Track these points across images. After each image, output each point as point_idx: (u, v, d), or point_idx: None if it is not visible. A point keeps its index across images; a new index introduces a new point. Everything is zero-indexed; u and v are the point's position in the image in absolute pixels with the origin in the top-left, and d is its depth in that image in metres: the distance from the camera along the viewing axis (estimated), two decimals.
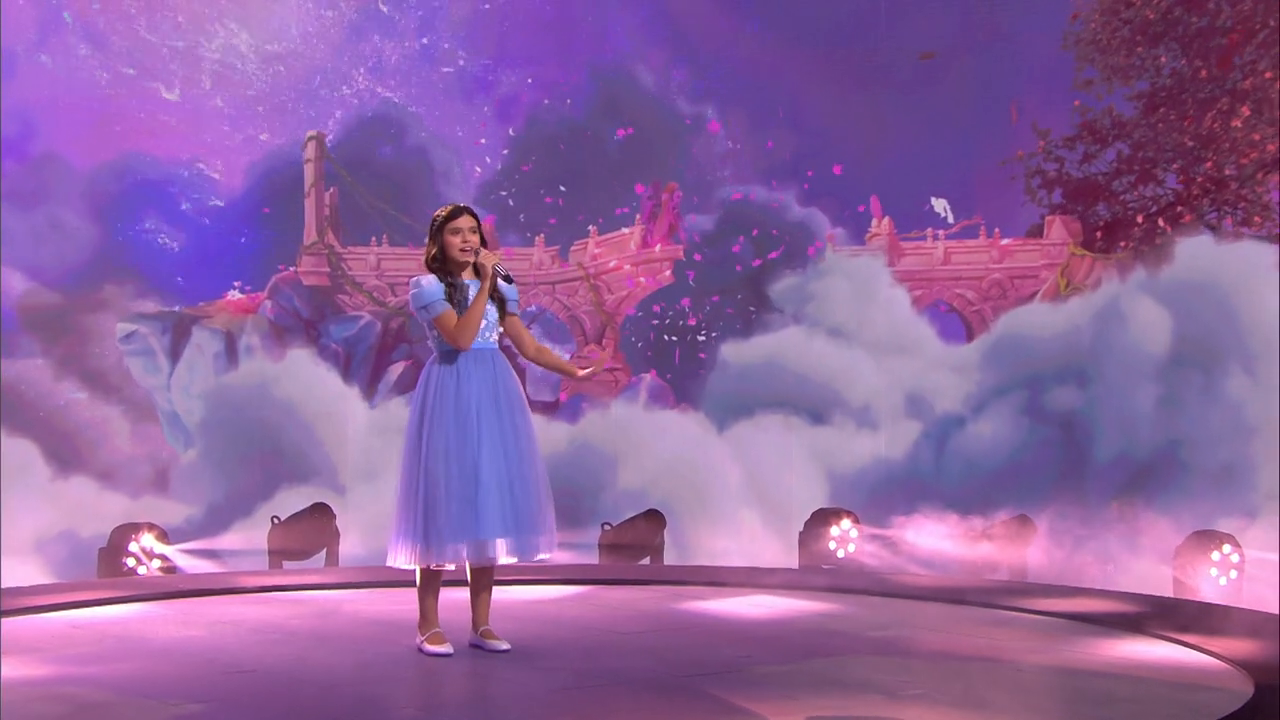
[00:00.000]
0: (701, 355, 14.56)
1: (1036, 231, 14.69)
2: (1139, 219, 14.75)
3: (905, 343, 14.11)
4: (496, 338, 6.67)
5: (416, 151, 14.83)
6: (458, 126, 14.80)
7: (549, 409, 14.38)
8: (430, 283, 6.56)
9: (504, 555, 6.41)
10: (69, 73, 14.10)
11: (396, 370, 14.48)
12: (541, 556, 6.53)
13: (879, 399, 14.02)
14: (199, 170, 14.38)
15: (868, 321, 14.25)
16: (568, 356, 13.36)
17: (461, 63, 14.75)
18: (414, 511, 6.44)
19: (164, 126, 14.24)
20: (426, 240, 6.71)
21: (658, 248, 14.74)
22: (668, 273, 14.78)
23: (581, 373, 6.75)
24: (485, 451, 6.41)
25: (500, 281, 6.54)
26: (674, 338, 14.66)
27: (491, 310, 6.61)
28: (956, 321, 14.59)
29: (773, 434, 13.99)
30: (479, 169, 14.70)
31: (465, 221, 6.57)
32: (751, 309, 14.59)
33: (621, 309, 14.68)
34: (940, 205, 14.61)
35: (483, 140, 14.73)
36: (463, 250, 6.56)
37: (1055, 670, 6.24)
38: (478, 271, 6.60)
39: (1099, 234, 14.70)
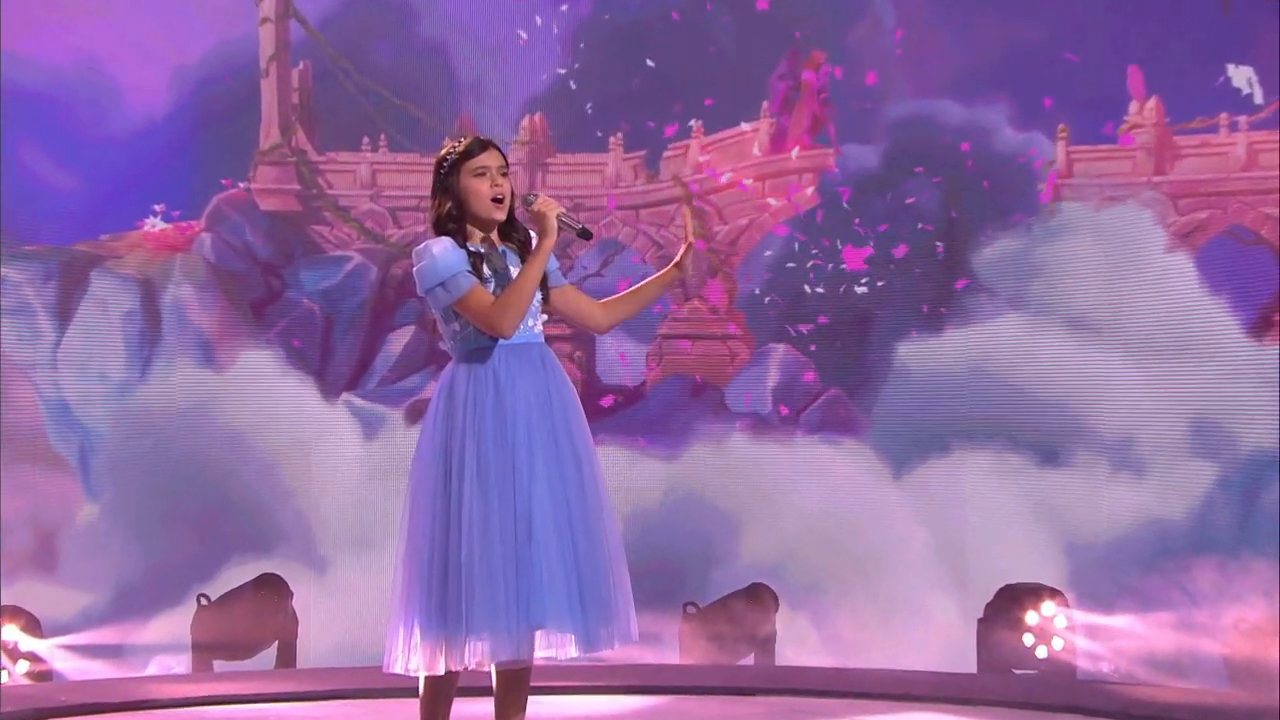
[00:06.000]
0: (860, 317, 14.35)
1: None
2: None
3: (1190, 338, 13.91)
4: (541, 327, 6.84)
5: (429, 51, 14.74)
6: (489, 16, 14.62)
7: (631, 400, 14.35)
8: (446, 249, 6.64)
9: (572, 648, 6.60)
10: None
11: (400, 340, 14.37)
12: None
13: (1147, 426, 13.93)
14: (101, 77, 14.33)
15: (1129, 305, 14.04)
16: None
17: None
18: (432, 585, 6.53)
19: (47, 14, 14.19)
20: (433, 192, 6.84)
21: (794, 152, 14.32)
22: (810, 191, 14.33)
23: (674, 263, 6.96)
24: (540, 493, 6.51)
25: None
26: (820, 289, 14.28)
27: None
28: (1266, 262, 13.97)
29: (979, 478, 14.05)
30: (522, 37, 14.55)
31: (492, 158, 6.70)
32: (936, 265, 14.38)
33: (740, 245, 14.37)
34: (1242, 76, 13.93)
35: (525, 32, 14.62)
36: (496, 201, 6.67)
37: None
38: (504, 236, 6.77)
39: None
